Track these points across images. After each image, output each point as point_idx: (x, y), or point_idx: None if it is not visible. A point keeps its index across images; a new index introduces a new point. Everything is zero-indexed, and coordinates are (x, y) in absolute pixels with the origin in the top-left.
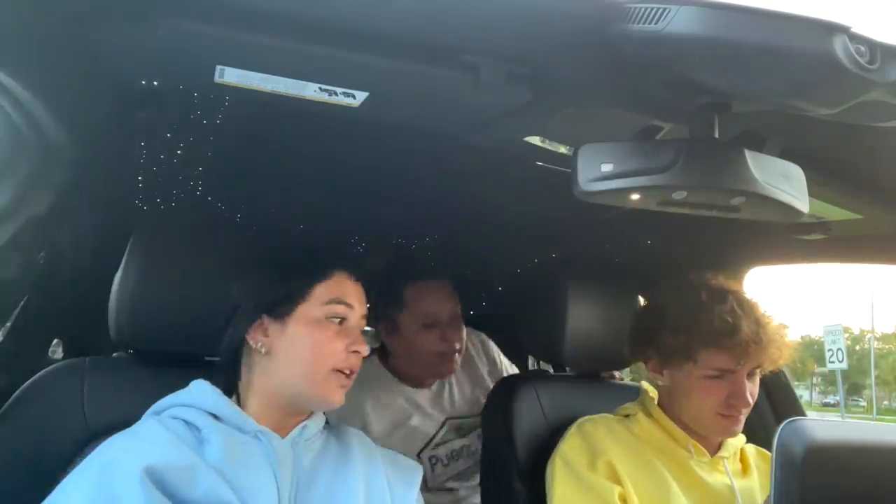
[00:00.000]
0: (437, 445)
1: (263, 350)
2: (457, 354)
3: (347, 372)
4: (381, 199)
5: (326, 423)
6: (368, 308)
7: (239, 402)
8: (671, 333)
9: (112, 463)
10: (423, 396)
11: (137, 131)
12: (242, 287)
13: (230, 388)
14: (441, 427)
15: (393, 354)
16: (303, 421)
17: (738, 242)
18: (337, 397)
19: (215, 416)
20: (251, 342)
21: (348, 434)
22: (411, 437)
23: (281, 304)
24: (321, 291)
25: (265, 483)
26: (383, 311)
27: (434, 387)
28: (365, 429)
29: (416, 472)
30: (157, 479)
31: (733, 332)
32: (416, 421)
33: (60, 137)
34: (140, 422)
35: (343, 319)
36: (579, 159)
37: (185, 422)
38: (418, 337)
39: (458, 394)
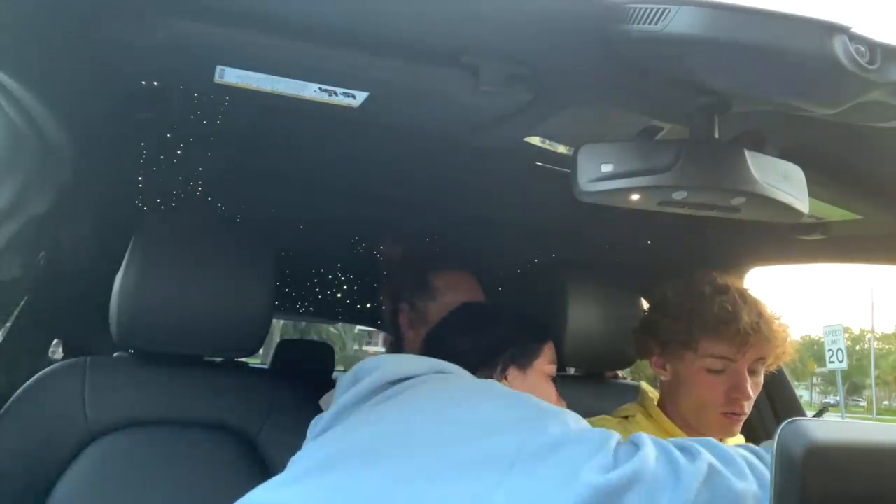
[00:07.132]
0: None
1: None
2: None
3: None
4: (380, 199)
5: None
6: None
7: None
8: (672, 321)
9: None
10: None
11: (137, 131)
12: None
13: None
14: None
15: (413, 350)
16: None
17: (738, 242)
18: None
19: None
20: None
21: None
22: None
23: None
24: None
25: None
26: (408, 300)
27: None
28: None
29: None
30: None
31: (733, 320)
32: None
33: (60, 137)
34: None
35: None
36: (579, 159)
37: None
38: None
39: None
